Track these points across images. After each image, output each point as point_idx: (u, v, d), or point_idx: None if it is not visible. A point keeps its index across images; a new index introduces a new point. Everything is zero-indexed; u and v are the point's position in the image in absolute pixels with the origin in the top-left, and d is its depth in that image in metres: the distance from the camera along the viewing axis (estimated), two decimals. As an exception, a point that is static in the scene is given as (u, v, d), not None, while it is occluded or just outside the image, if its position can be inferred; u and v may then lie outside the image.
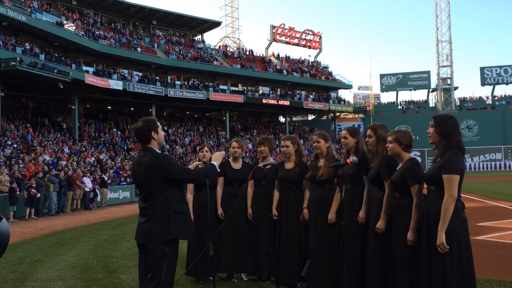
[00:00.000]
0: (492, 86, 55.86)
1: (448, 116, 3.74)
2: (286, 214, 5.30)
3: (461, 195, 3.62)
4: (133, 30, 41.44)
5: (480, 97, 57.85)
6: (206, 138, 39.75)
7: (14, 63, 23.01)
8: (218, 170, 4.00)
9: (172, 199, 3.62)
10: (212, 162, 3.97)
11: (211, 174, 4.02)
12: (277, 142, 33.00)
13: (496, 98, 56.24)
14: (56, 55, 30.26)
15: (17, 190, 15.16)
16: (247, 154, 36.19)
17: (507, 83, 55.50)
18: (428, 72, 56.85)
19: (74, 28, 31.08)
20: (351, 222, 4.54)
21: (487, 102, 56.15)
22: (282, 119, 52.43)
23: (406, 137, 4.05)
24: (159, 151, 3.77)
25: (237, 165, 5.84)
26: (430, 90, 57.65)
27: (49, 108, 33.21)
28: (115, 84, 32.12)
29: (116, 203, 21.35)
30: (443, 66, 56.40)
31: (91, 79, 29.78)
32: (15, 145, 22.67)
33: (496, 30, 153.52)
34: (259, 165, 5.27)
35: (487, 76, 55.06)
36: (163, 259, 3.54)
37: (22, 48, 26.33)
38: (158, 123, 3.85)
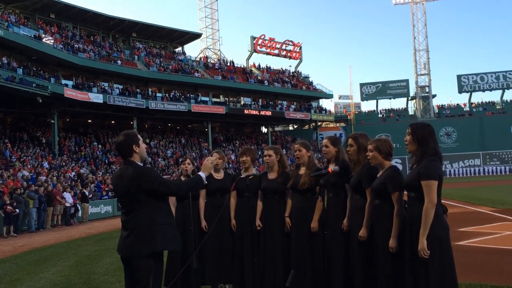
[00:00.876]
0: (469, 94, 57.03)
1: (424, 124, 3.82)
2: (270, 225, 5.30)
3: (442, 200, 3.69)
4: (112, 43, 41.22)
5: (457, 104, 58.99)
6: (189, 150, 39.58)
7: (-9, 78, 22.65)
8: (205, 182, 3.93)
9: (155, 211, 3.58)
10: (199, 173, 3.91)
11: (196, 187, 3.97)
12: (259, 153, 33.05)
13: (473, 105, 57.41)
14: (35, 69, 29.87)
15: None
16: (230, 165, 36.14)
17: (483, 90, 56.80)
18: (406, 81, 57.79)
19: (52, 41, 30.77)
20: (334, 230, 4.57)
21: (464, 109, 57.26)
22: (264, 130, 52.56)
23: (386, 145, 4.11)
24: (141, 164, 3.74)
25: (218, 175, 5.83)
26: (409, 98, 58.58)
27: (27, 122, 32.70)
28: (95, 97, 31.82)
29: (98, 218, 21.05)
30: (421, 75, 57.45)
31: (70, 93, 29.45)
32: (-7, 161, 22.23)
33: (472, 39, 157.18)
34: (241, 176, 5.28)
35: (464, 84, 56.25)
36: (149, 272, 3.50)
37: (0, 63, 25.95)
38: (139, 136, 3.81)
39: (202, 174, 3.91)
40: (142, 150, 3.76)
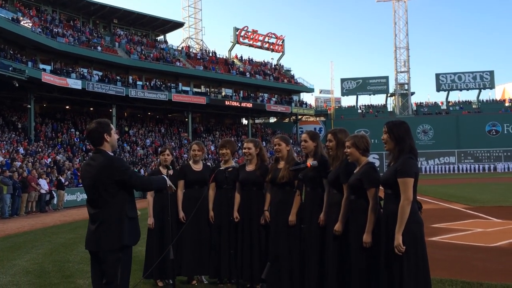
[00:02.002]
0: (446, 92, 58.04)
1: (400, 122, 3.88)
2: (247, 217, 5.33)
3: (417, 197, 3.76)
4: (93, 29, 40.46)
5: (435, 102, 59.98)
6: (168, 139, 39.29)
7: (-34, 60, 22.04)
8: (168, 184, 3.89)
9: (125, 204, 3.53)
10: (164, 176, 3.97)
11: (162, 187, 3.99)
12: (239, 145, 33.03)
13: (450, 104, 58.45)
14: (11, 52, 29.12)
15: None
16: (210, 156, 36.03)
17: (460, 89, 57.87)
18: (386, 77, 58.43)
19: (31, 25, 30.03)
20: (311, 224, 4.62)
21: (441, 107, 58.26)
22: (244, 121, 52.52)
23: (363, 141, 4.16)
24: (112, 154, 3.68)
25: (197, 167, 5.82)
26: (389, 94, 59.28)
27: (3, 106, 31.95)
28: (74, 83, 31.27)
29: (74, 206, 20.78)
30: (401, 72, 58.15)
31: (48, 78, 28.87)
32: (-34, 145, 21.69)
33: (451, 38, 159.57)
34: (220, 168, 5.28)
35: (442, 82, 57.18)
36: (117, 265, 3.46)
37: (-25, 44, 25.27)
38: (112, 126, 3.74)
39: (166, 177, 3.95)
40: (114, 140, 3.69)
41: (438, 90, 57.64)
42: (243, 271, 5.23)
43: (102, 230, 3.47)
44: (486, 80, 56.86)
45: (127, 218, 3.51)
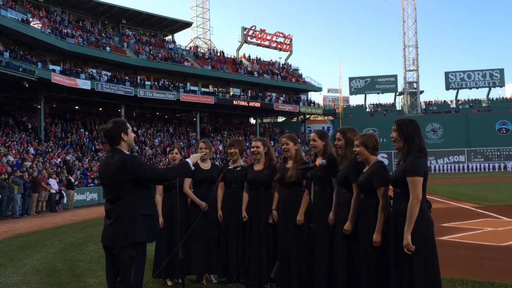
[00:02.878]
0: (456, 91, 57.60)
1: (410, 120, 3.85)
2: (255, 216, 5.33)
3: (427, 196, 3.74)
4: (102, 29, 40.68)
5: (444, 101, 59.54)
6: (176, 139, 39.41)
7: (-23, 61, 22.26)
8: (193, 168, 3.90)
9: (139, 201, 3.56)
10: (187, 159, 3.89)
11: (183, 172, 3.91)
12: (247, 144, 33.04)
13: (459, 102, 58.00)
14: (22, 53, 29.37)
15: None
16: (218, 155, 36.10)
17: (470, 88, 57.39)
18: (395, 76, 58.11)
19: (40, 25, 30.26)
20: (320, 224, 4.61)
21: (451, 106, 57.83)
22: (252, 121, 52.51)
23: (372, 140, 4.14)
24: (128, 153, 3.72)
25: (205, 166, 5.84)
26: (397, 93, 58.96)
27: (13, 107, 32.23)
28: (83, 83, 31.46)
29: (83, 205, 20.92)
30: (410, 70, 57.78)
31: (57, 78, 29.07)
32: (-23, 146, 21.91)
33: (460, 36, 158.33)
34: (229, 167, 5.29)
35: (451, 81, 56.76)
36: (131, 262, 3.49)
37: (-15, 46, 25.50)
38: (128, 125, 3.79)
39: (189, 160, 3.88)
40: (130, 139, 3.74)
41: (447, 88, 57.22)
42: (251, 270, 5.23)
43: (115, 226, 3.52)
44: (496, 78, 56.34)
45: (140, 215, 3.54)
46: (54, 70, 30.22)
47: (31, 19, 30.43)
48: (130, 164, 3.55)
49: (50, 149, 26.39)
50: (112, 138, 3.69)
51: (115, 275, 3.55)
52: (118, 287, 3.50)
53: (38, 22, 30.75)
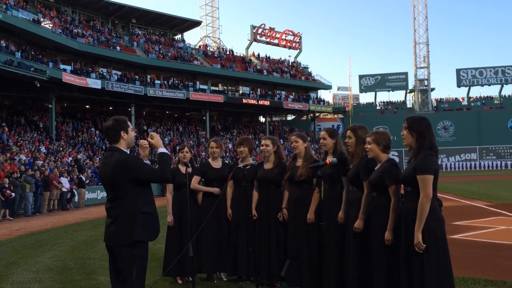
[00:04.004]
0: (467, 88, 57.03)
1: (421, 117, 3.81)
2: (266, 214, 5.32)
3: (438, 194, 3.70)
4: (112, 29, 40.92)
5: (456, 98, 59.00)
6: (186, 138, 39.53)
7: (-11, 61, 22.51)
8: (168, 152, 3.79)
9: (139, 200, 3.52)
10: (160, 150, 3.72)
11: (169, 162, 3.75)
12: (257, 142, 33.04)
13: (471, 99, 57.44)
14: (33, 53, 29.66)
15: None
16: (227, 154, 36.14)
17: (482, 85, 56.77)
18: (406, 73, 57.69)
19: (51, 25, 30.52)
20: (330, 222, 4.58)
21: (462, 103, 57.29)
22: (262, 119, 52.51)
23: (384, 138, 4.11)
24: (127, 151, 3.68)
25: (217, 164, 5.84)
26: (408, 91, 58.54)
27: (25, 106, 32.54)
28: (93, 83, 31.67)
29: (94, 204, 21.08)
30: (420, 68, 57.35)
31: (68, 78, 29.29)
32: (-10, 145, 22.15)
33: (472, 33, 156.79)
34: (239, 166, 5.28)
35: (463, 78, 56.20)
36: (132, 262, 3.45)
37: (-2, 46, 25.76)
38: (129, 123, 3.75)
39: (161, 149, 3.72)
40: (130, 138, 3.68)
41: (459, 85, 56.67)
42: (261, 268, 5.22)
43: (115, 225, 3.49)
44: (508, 75, 55.65)
45: (140, 213, 3.50)
46: (65, 70, 30.46)
47: (42, 19, 30.71)
48: (130, 165, 3.50)
49: (61, 148, 26.61)
50: (111, 136, 3.64)
51: (117, 274, 3.53)
52: (120, 287, 3.48)
53: (49, 22, 31.01)
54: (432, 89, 57.96)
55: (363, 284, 4.17)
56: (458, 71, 56.50)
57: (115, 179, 3.50)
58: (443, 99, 59.34)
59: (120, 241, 3.45)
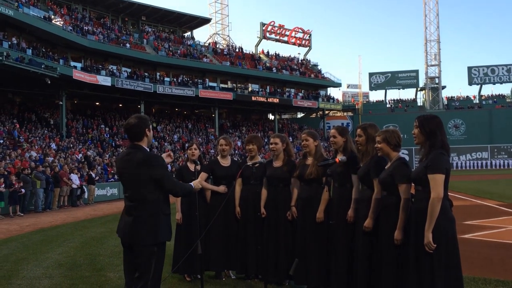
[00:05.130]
0: (479, 86, 56.47)
1: (432, 116, 3.76)
2: (274, 213, 5.30)
3: (448, 193, 3.65)
4: (122, 26, 41.10)
5: (467, 96, 58.46)
6: (195, 135, 39.61)
7: (1, 58, 22.67)
8: (193, 191, 4.02)
9: (161, 201, 3.57)
10: (192, 184, 3.93)
11: (187, 193, 4.00)
12: (266, 140, 33.02)
13: (483, 98, 56.88)
14: (44, 50, 29.88)
15: (2, 186, 15.00)
16: (236, 151, 36.15)
17: (493, 83, 56.20)
18: (416, 71, 57.27)
19: (62, 23, 30.71)
20: (339, 221, 4.56)
21: (474, 102, 56.75)
22: (271, 117, 52.44)
23: (394, 136, 4.08)
24: (148, 150, 3.71)
25: (226, 162, 5.82)
26: (418, 89, 58.10)
27: (36, 103, 32.82)
28: (104, 80, 31.84)
29: (104, 200, 21.20)
30: (431, 65, 56.87)
31: (79, 75, 29.47)
32: (1, 141, 22.36)
33: (483, 30, 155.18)
34: (248, 164, 5.26)
35: (475, 76, 55.65)
36: (152, 259, 3.49)
37: (9, 43, 25.95)
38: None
39: (193, 185, 3.93)
40: (151, 136, 3.74)
41: (470, 83, 56.12)
42: (270, 267, 5.21)
43: (139, 225, 3.49)
44: (520, 73, 55.03)
45: (163, 215, 3.56)
46: (75, 67, 30.67)
47: (53, 16, 30.92)
48: (154, 164, 3.53)
49: (71, 145, 26.80)
50: (135, 134, 3.65)
51: (133, 270, 3.55)
52: (136, 282, 3.50)
53: (60, 19, 31.22)
54: (443, 87, 57.47)
55: (372, 283, 4.14)
56: (469, 68, 55.97)
57: (140, 177, 3.52)
58: (454, 97, 58.83)
59: (144, 241, 3.48)
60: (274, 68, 47.71)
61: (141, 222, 3.50)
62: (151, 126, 3.74)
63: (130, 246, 3.56)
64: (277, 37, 52.22)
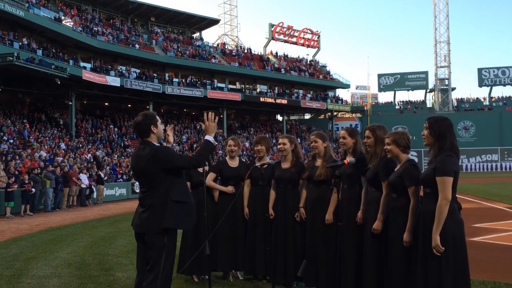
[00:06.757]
0: (489, 87, 56.00)
1: (442, 118, 3.74)
2: (282, 214, 5.30)
3: (457, 196, 3.63)
4: (131, 27, 41.34)
5: (477, 98, 58.00)
6: (203, 136, 39.50)
7: (11, 58, 22.90)
8: (216, 143, 3.93)
9: (171, 188, 3.63)
10: (206, 137, 3.87)
11: (209, 151, 3.89)
12: (274, 141, 33.00)
13: (493, 99, 56.40)
14: (54, 50, 30.14)
15: (14, 186, 15.14)
16: (244, 152, 36.18)
17: (504, 85, 55.68)
18: (426, 73, 56.93)
19: (72, 24, 30.96)
20: (348, 222, 4.54)
21: (484, 103, 56.29)
22: (279, 118, 52.43)
23: (404, 138, 4.05)
24: (158, 144, 3.80)
25: (234, 163, 5.82)
26: (428, 90, 57.76)
27: (46, 103, 33.10)
28: (113, 80, 32.04)
29: (112, 200, 21.31)
30: (441, 67, 56.52)
31: (88, 75, 29.69)
32: (12, 141, 22.58)
33: (494, 32, 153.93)
34: (256, 165, 5.26)
35: (485, 77, 55.20)
36: (162, 250, 3.55)
37: (20, 43, 26.22)
38: (158, 118, 3.88)
39: (208, 137, 3.86)
40: (160, 131, 3.83)
41: (480, 85, 55.66)
42: (278, 268, 5.20)
43: (148, 214, 3.60)
44: (531, 74, 54.49)
45: (172, 201, 3.60)
46: (85, 68, 30.92)
47: (63, 17, 31.18)
48: (163, 155, 3.64)
49: (80, 145, 26.99)
50: (142, 131, 3.78)
51: (145, 262, 3.63)
52: (147, 275, 3.57)
53: (70, 20, 31.47)
54: (453, 89, 57.11)
55: (381, 285, 4.12)
56: (479, 70, 55.51)
57: (149, 171, 3.64)
58: (464, 99, 58.42)
59: (151, 228, 3.56)
60: (282, 69, 47.70)
61: (150, 210, 3.60)
62: (159, 122, 3.82)
63: (142, 239, 3.64)
64: (286, 38, 52.21)
